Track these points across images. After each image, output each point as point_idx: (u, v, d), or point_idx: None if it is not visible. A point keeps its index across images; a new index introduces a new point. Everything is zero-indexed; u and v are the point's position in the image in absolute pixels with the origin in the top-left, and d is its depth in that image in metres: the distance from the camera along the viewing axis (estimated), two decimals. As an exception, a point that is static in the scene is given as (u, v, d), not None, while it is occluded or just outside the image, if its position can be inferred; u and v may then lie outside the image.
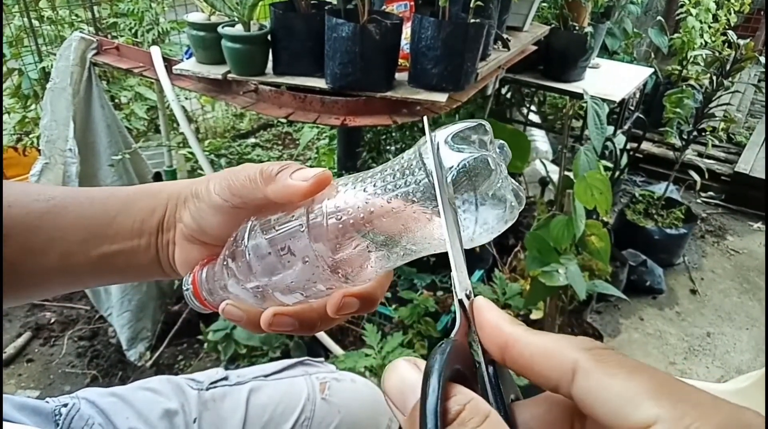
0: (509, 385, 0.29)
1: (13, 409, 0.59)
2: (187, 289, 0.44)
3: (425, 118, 0.36)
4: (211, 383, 0.76)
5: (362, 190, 0.35)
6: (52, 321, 2.02)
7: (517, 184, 0.35)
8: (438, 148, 0.33)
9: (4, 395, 0.60)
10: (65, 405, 0.64)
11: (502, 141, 0.36)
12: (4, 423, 0.56)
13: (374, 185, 0.35)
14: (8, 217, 0.39)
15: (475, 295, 0.31)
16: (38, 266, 0.41)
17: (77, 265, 0.42)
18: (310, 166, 0.39)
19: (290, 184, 0.37)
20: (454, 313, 0.31)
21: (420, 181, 0.33)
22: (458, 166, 0.32)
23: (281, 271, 0.37)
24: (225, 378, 0.78)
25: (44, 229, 0.40)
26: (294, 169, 0.38)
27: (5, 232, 0.39)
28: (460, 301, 0.30)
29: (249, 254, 0.38)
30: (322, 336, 1.56)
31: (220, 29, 1.16)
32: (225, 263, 0.40)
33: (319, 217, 0.36)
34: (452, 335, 0.28)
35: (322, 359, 0.89)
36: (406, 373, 0.26)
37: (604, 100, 1.69)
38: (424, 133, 0.34)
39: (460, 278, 0.31)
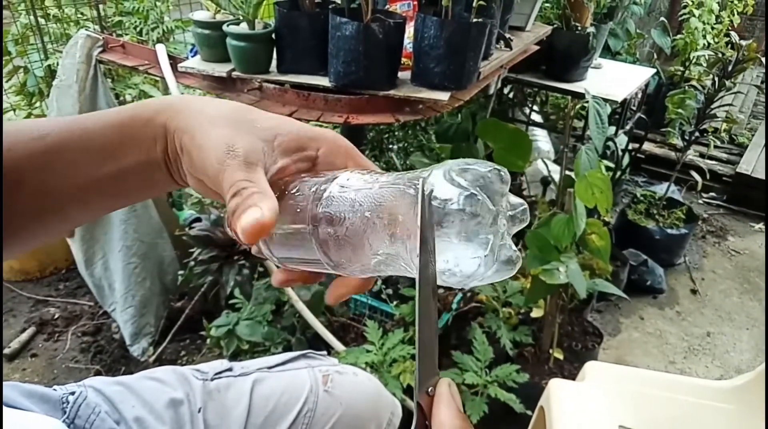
0: None
1: (21, 396, 0.61)
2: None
3: (421, 181, 0.33)
4: (216, 374, 0.78)
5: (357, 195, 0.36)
6: (56, 316, 2.03)
7: (516, 249, 0.34)
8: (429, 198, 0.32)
9: (12, 382, 0.61)
10: (72, 393, 0.65)
11: (522, 201, 0.36)
12: (13, 410, 0.57)
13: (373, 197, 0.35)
14: (12, 160, 0.38)
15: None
16: (54, 203, 0.41)
17: (95, 195, 0.42)
18: None
19: (238, 235, 0.36)
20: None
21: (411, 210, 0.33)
22: (442, 201, 0.32)
23: (297, 253, 0.41)
24: (229, 369, 0.79)
25: (53, 166, 0.40)
26: (239, 213, 0.36)
27: (15, 175, 0.38)
28: (419, 404, 0.31)
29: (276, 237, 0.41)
30: (324, 332, 1.58)
31: (224, 27, 1.18)
32: None
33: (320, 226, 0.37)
34: None
35: (324, 352, 0.90)
36: None
37: (605, 100, 1.70)
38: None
39: (422, 375, 0.31)
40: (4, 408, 0.55)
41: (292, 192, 0.40)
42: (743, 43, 2.11)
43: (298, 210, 0.39)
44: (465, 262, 0.33)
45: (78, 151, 0.40)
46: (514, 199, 0.35)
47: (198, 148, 0.38)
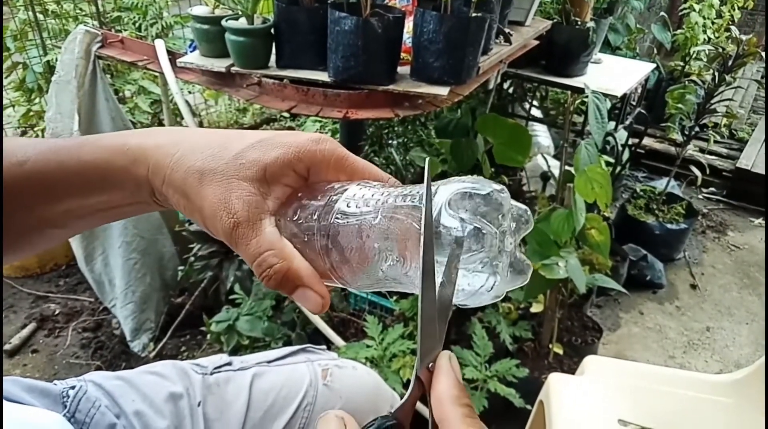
0: None
1: (22, 391, 0.61)
2: None
3: (427, 165, 0.35)
4: (216, 368, 0.78)
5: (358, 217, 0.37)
6: (57, 312, 2.03)
7: (525, 259, 0.35)
8: (433, 210, 0.33)
9: (13, 377, 0.62)
10: (73, 387, 0.65)
11: (524, 208, 0.36)
12: (14, 405, 0.57)
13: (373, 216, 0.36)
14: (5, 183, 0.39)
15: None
16: (39, 223, 0.41)
17: (80, 219, 0.42)
18: None
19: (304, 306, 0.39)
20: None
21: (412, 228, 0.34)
22: (452, 232, 0.32)
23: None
24: (229, 363, 0.80)
25: (34, 192, 0.40)
26: (295, 284, 0.38)
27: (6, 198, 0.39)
28: (418, 377, 0.31)
29: None
30: (324, 327, 1.58)
31: (223, 23, 1.17)
32: None
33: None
34: (395, 408, 0.31)
35: (324, 347, 0.90)
36: None
37: (605, 95, 1.70)
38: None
39: (424, 350, 0.31)
40: (5, 402, 0.55)
41: (294, 219, 0.40)
42: (743, 37, 2.10)
43: (306, 239, 0.39)
44: (478, 287, 0.34)
45: (57, 183, 0.40)
46: (516, 208, 0.36)
47: (199, 213, 0.38)
